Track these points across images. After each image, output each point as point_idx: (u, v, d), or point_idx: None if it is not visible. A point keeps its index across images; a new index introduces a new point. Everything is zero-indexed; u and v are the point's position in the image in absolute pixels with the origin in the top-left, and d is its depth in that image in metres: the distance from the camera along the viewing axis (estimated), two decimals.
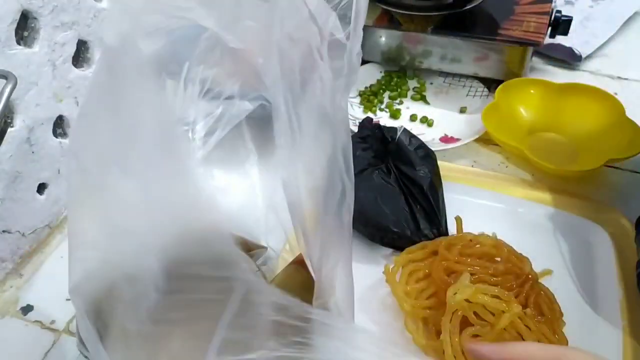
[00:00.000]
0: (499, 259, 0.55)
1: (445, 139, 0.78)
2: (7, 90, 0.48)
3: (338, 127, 0.39)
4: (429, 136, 0.79)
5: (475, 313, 0.51)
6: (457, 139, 0.77)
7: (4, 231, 0.61)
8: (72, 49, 0.64)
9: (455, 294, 0.50)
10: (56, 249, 0.67)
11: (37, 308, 0.61)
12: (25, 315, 0.60)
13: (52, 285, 0.63)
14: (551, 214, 0.67)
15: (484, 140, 0.77)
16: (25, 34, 0.59)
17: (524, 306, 0.51)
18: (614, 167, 0.73)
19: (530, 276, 0.54)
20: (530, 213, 0.67)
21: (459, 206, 0.68)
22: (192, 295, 0.38)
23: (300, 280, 0.52)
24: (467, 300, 0.50)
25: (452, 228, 0.64)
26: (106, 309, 0.41)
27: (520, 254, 0.56)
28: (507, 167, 0.75)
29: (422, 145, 0.66)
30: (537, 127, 0.79)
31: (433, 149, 0.68)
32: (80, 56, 0.67)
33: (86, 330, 0.38)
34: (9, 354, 0.57)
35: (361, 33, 0.39)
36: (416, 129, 0.81)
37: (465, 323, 0.51)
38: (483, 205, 0.68)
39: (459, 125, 0.81)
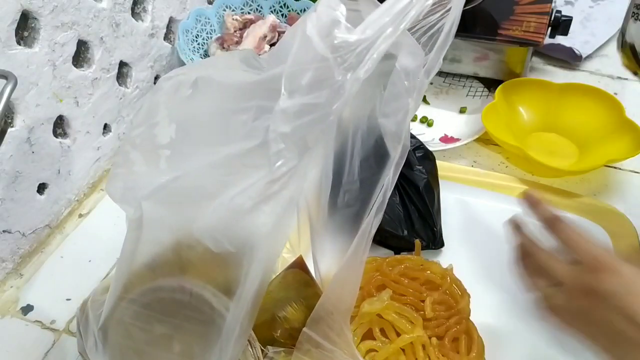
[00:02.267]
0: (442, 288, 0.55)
1: (445, 139, 0.78)
2: (7, 90, 0.48)
3: (396, 147, 0.41)
4: (429, 136, 0.79)
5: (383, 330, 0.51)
6: (457, 139, 0.77)
7: (4, 231, 0.61)
8: (72, 49, 0.64)
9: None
10: (56, 249, 0.67)
11: (37, 308, 0.61)
12: (25, 315, 0.60)
13: (52, 285, 0.63)
14: None
15: (484, 140, 0.77)
16: (26, 34, 0.59)
17: (440, 337, 0.51)
18: (614, 167, 0.73)
19: (461, 312, 0.54)
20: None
21: (458, 206, 0.68)
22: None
23: (299, 281, 0.52)
24: (379, 316, 0.51)
25: (448, 229, 0.64)
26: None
27: (465, 290, 0.56)
28: (507, 167, 0.75)
29: (421, 146, 0.66)
30: (537, 127, 0.79)
31: (433, 149, 0.68)
32: (80, 56, 0.67)
33: None
34: (9, 354, 0.57)
35: (438, 67, 0.40)
36: (416, 129, 0.81)
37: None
38: (483, 205, 0.68)
39: (459, 125, 0.81)
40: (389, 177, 0.42)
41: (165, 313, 0.41)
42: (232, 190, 0.36)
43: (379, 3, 0.39)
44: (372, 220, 0.42)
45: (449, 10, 0.38)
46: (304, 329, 0.46)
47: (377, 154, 0.44)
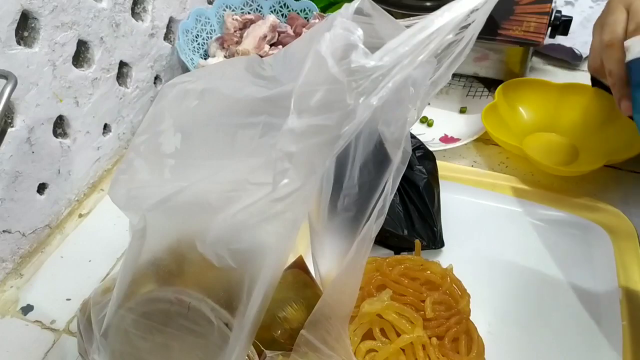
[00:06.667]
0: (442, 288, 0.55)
1: (445, 139, 0.78)
2: (7, 90, 0.48)
3: (396, 153, 0.41)
4: (429, 136, 0.79)
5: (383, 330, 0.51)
6: (457, 139, 0.77)
7: (4, 231, 0.61)
8: (72, 49, 0.64)
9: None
10: (56, 249, 0.67)
11: (37, 308, 0.61)
12: (25, 315, 0.60)
13: (52, 285, 0.63)
14: (551, 214, 0.67)
15: (484, 140, 0.77)
16: (26, 34, 0.59)
17: (440, 337, 0.51)
18: (614, 167, 0.73)
19: (461, 312, 0.54)
20: (530, 213, 0.67)
21: (458, 206, 0.68)
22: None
23: (299, 281, 0.52)
24: (379, 316, 0.51)
25: (450, 230, 0.64)
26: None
27: (465, 290, 0.56)
28: (507, 167, 0.75)
29: (421, 146, 0.66)
30: (537, 127, 0.78)
31: (433, 149, 0.68)
32: (80, 56, 0.67)
33: None
34: (9, 354, 0.57)
35: (445, 81, 0.40)
36: (416, 129, 0.81)
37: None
38: (483, 205, 0.68)
39: (459, 125, 0.81)
40: (390, 183, 0.42)
41: (165, 324, 0.41)
42: (236, 206, 0.36)
43: (393, 18, 0.39)
44: (372, 226, 0.42)
45: (465, 27, 0.37)
46: (302, 332, 0.45)
47: (376, 159, 0.44)
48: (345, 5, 0.36)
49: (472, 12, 0.36)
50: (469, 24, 0.37)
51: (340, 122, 0.34)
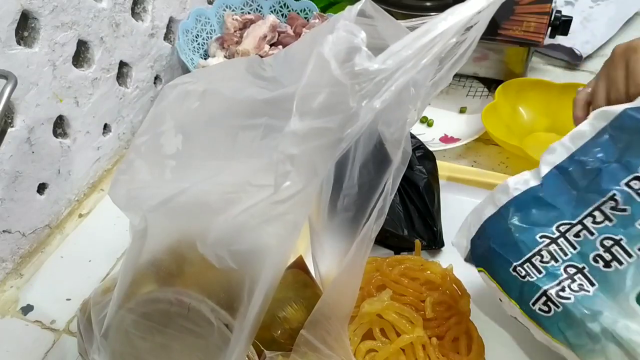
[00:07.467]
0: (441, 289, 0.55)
1: (445, 139, 0.78)
2: (7, 90, 0.48)
3: (396, 153, 0.41)
4: (429, 136, 0.79)
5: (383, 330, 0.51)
6: (457, 139, 0.77)
7: (4, 231, 0.61)
8: (72, 49, 0.64)
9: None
10: (56, 249, 0.67)
11: (37, 308, 0.61)
12: (25, 315, 0.60)
13: (52, 285, 0.63)
14: None
15: (484, 140, 0.77)
16: (25, 34, 0.59)
17: (440, 337, 0.51)
18: None
19: (461, 312, 0.54)
20: None
21: (458, 206, 0.67)
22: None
23: (299, 281, 0.52)
24: (379, 316, 0.51)
25: (448, 229, 0.64)
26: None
27: (465, 290, 0.55)
28: (507, 167, 0.75)
29: (421, 146, 0.66)
30: (537, 127, 0.79)
31: (433, 149, 0.68)
32: (80, 56, 0.67)
33: None
34: (9, 354, 0.57)
35: (446, 83, 0.40)
36: (416, 129, 0.81)
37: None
38: None
39: (459, 125, 0.81)
40: (390, 183, 0.42)
41: (165, 324, 0.41)
42: (237, 207, 0.36)
43: (396, 20, 0.39)
44: (372, 226, 0.42)
45: (468, 29, 0.37)
46: (302, 332, 0.46)
47: (376, 160, 0.44)
48: (348, 7, 0.36)
49: (475, 14, 0.36)
50: (472, 26, 0.37)
51: (342, 125, 0.34)
